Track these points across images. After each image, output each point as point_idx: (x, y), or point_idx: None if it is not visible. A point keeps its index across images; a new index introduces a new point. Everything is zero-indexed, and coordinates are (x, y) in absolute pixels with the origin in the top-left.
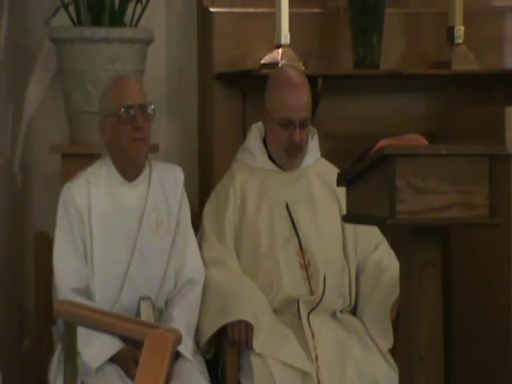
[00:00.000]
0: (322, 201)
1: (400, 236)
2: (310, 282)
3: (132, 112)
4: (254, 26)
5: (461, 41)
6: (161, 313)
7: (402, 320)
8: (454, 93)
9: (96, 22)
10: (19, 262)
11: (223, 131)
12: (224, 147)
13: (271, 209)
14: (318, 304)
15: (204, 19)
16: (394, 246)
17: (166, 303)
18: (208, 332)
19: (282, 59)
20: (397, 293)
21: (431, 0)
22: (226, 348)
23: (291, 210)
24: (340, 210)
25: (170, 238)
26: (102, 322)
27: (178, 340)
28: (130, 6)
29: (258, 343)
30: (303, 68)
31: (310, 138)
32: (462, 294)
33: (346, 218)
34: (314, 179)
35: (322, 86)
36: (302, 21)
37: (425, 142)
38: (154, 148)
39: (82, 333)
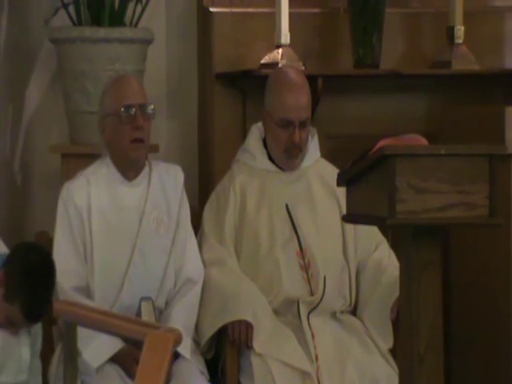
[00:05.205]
0: (321, 201)
1: (400, 236)
2: (309, 283)
3: (132, 111)
4: (254, 26)
5: (461, 41)
6: (160, 312)
7: (401, 320)
8: (454, 93)
9: (96, 22)
10: None
11: (223, 131)
12: (224, 147)
13: (271, 209)
14: (317, 304)
15: (204, 19)
16: (394, 246)
17: (166, 303)
18: (208, 332)
19: (282, 59)
20: (397, 293)
21: (431, 0)
22: (226, 348)
23: (291, 210)
24: (340, 211)
25: (169, 237)
26: (102, 322)
27: (178, 340)
28: (130, 5)
29: (258, 343)
30: (303, 68)
31: (309, 139)
32: (462, 294)
33: (346, 218)
34: (313, 180)
35: (322, 86)
36: (302, 21)
37: (425, 142)
38: (154, 148)
39: (82, 333)
